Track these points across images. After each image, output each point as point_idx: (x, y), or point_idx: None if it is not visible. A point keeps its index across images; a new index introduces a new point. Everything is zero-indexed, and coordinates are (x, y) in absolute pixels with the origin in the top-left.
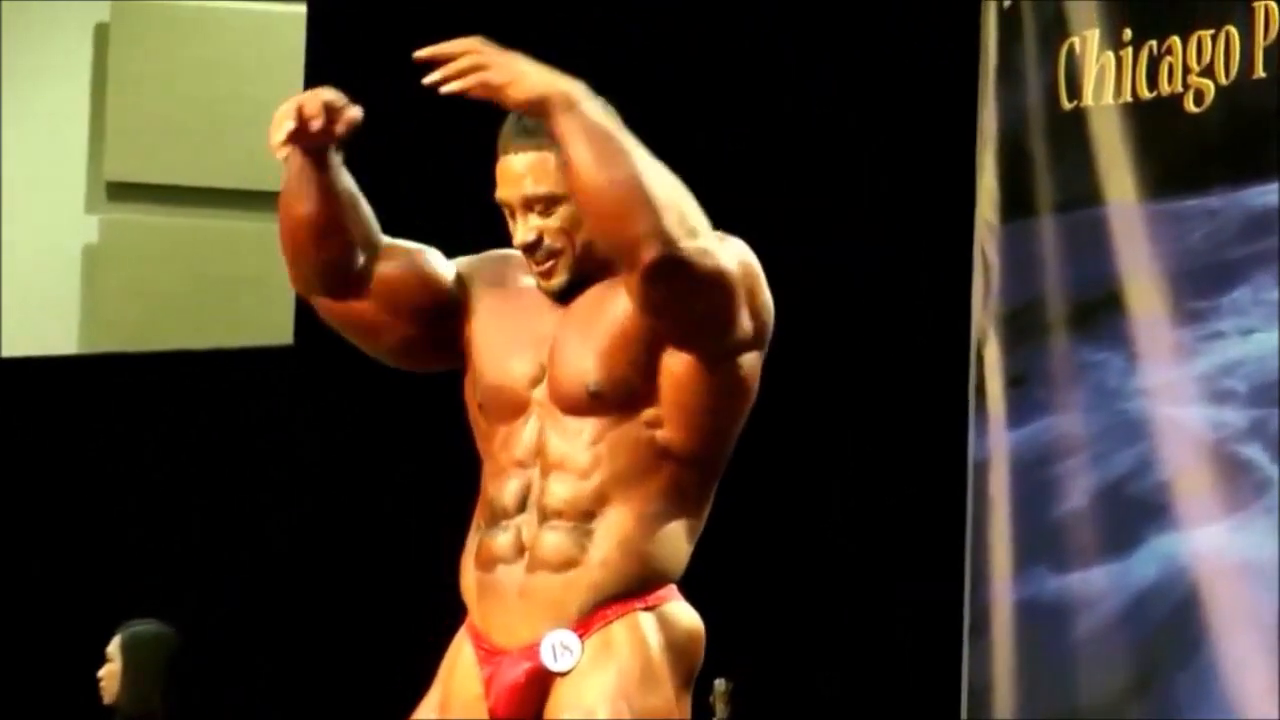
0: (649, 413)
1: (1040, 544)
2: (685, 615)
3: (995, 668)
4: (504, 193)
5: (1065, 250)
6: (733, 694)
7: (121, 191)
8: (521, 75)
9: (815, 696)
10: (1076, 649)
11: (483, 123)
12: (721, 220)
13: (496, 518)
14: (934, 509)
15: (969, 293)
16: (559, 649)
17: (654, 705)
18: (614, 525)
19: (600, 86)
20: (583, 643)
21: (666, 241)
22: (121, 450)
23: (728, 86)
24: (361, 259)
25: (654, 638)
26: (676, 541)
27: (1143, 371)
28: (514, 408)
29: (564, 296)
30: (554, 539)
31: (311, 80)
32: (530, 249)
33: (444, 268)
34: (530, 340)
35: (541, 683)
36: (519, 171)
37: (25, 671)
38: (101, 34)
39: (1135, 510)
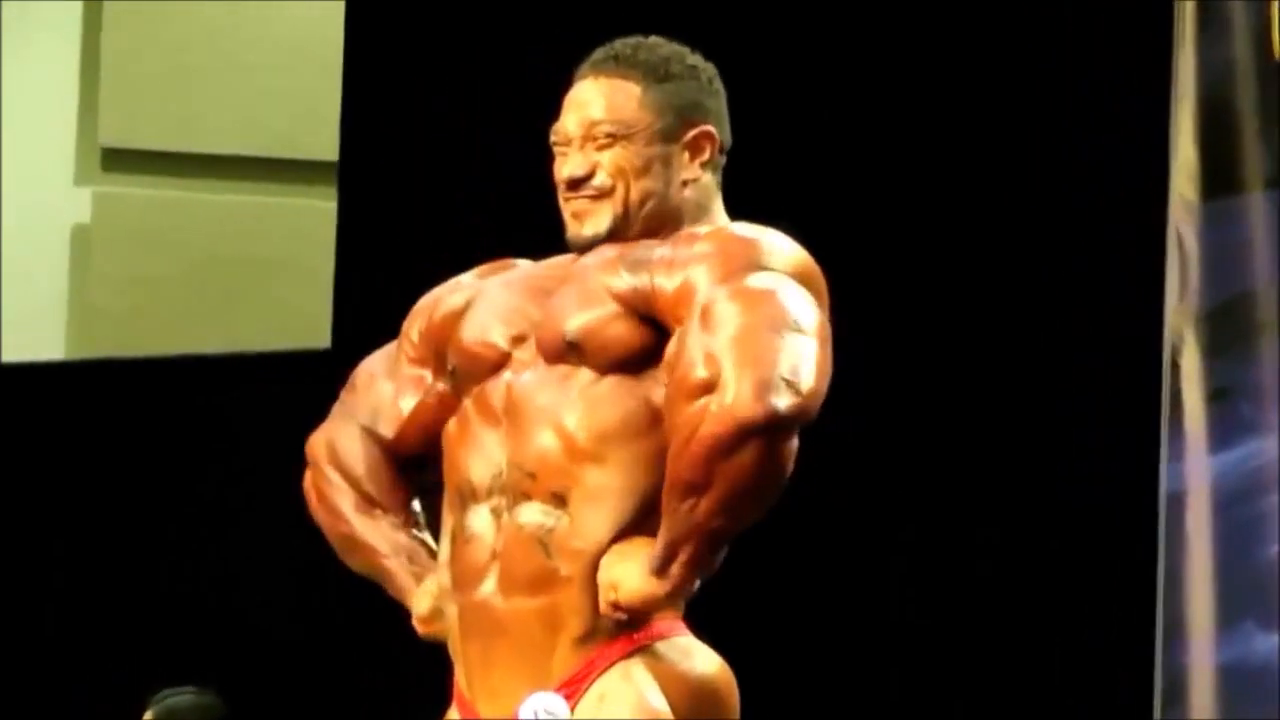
0: (657, 372)
1: (1249, 594)
2: (696, 655)
3: None
4: (565, 121)
5: None
6: None
7: (119, 160)
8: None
9: None
10: None
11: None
12: (880, 199)
13: (465, 498)
14: (1118, 552)
15: (1162, 287)
16: (541, 715)
17: None
18: (587, 522)
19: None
20: (571, 706)
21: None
22: (119, 477)
23: (887, 55)
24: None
25: (651, 691)
26: None
27: None
28: (489, 365)
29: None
30: (524, 535)
31: (353, 31)
32: (575, 184)
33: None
34: (526, 300)
35: None
36: (589, 97)
37: None
38: None
39: None
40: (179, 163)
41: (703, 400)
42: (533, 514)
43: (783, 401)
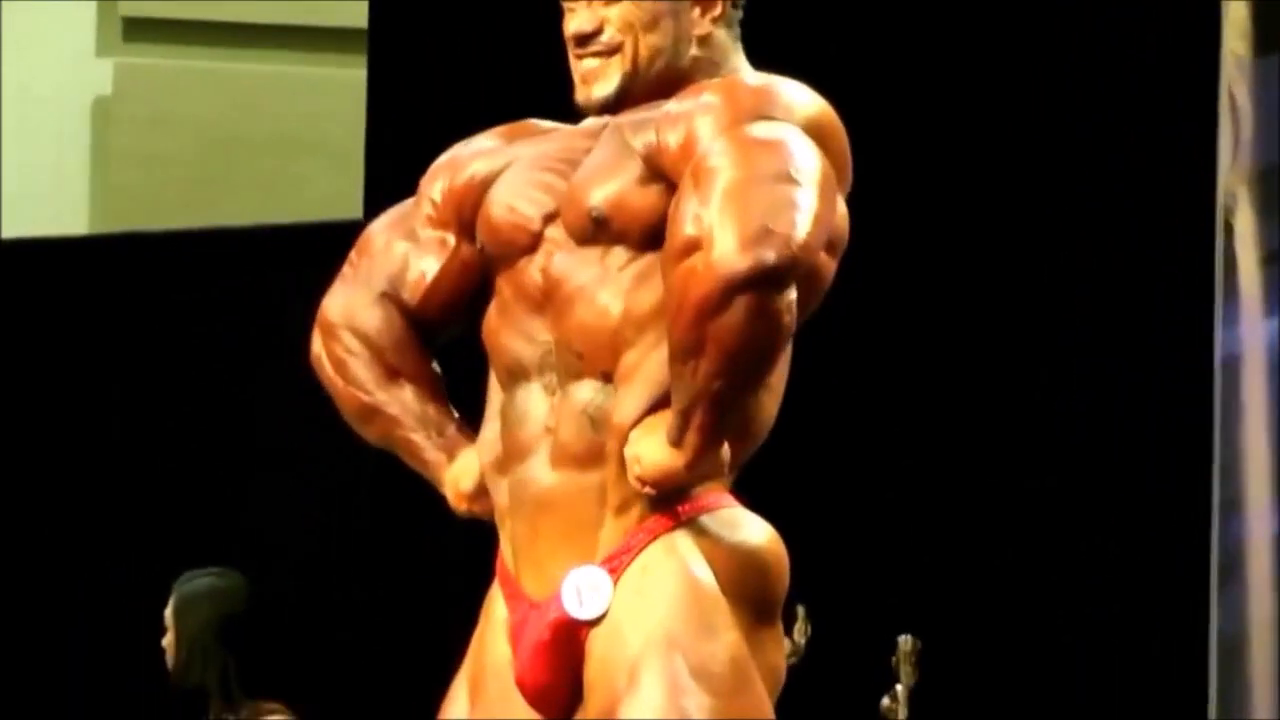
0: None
1: None
2: (744, 527)
3: (1251, 616)
4: None
5: None
6: (919, 654)
7: (140, 29)
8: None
9: (1025, 656)
10: None
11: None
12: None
13: (515, 376)
14: (1171, 420)
15: (1214, 146)
16: (584, 591)
17: (715, 652)
18: (628, 397)
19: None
20: (615, 580)
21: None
22: (144, 353)
23: None
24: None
25: (697, 563)
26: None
27: None
28: (520, 246)
29: (605, 114)
30: (575, 411)
31: None
32: (583, 40)
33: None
34: (553, 174)
35: (571, 637)
36: None
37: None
38: None
39: None
40: (202, 32)
41: (691, 260)
42: (585, 392)
43: (770, 254)
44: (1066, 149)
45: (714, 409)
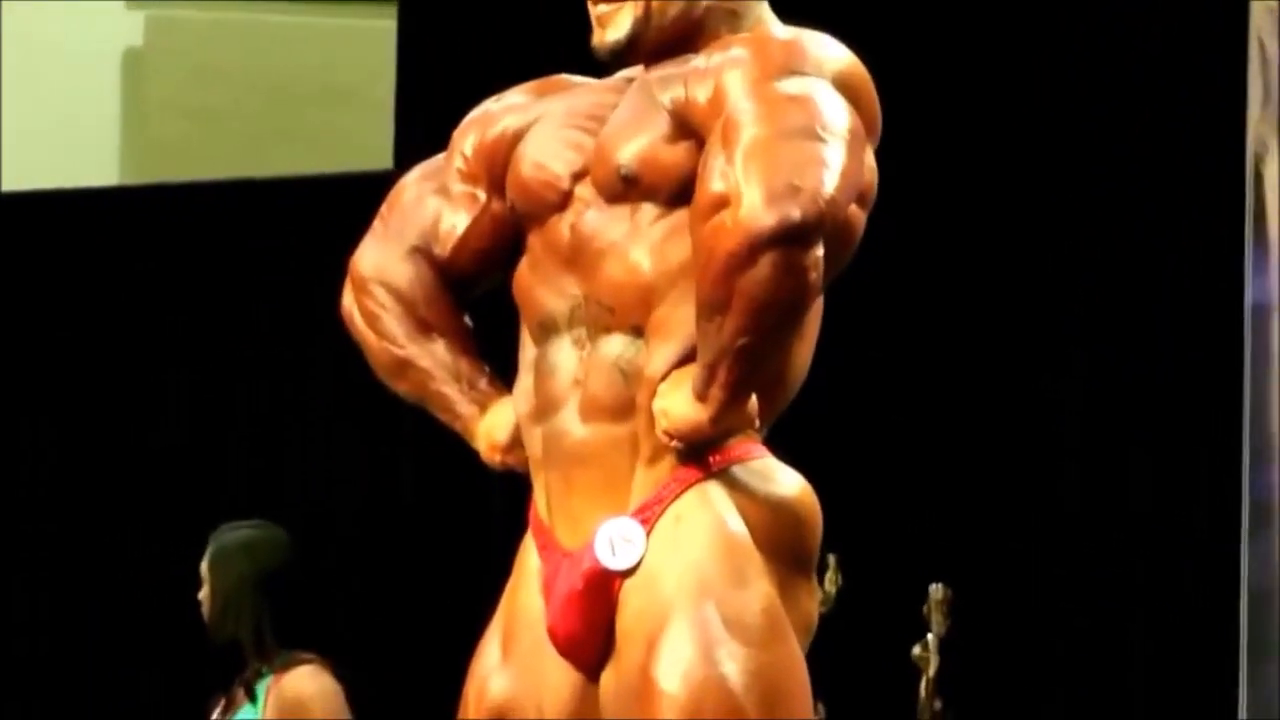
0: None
1: None
2: (776, 478)
3: None
4: None
5: None
6: (951, 603)
7: None
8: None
9: (1055, 605)
10: None
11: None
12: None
13: (546, 330)
14: (1201, 369)
15: (1244, 95)
16: (617, 542)
17: (748, 602)
18: (662, 351)
19: None
20: (647, 530)
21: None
22: (176, 306)
23: None
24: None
25: (730, 514)
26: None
27: None
28: (550, 205)
29: (620, 61)
30: (606, 365)
31: None
32: None
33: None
34: (582, 131)
35: (604, 588)
36: None
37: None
38: None
39: None
40: None
41: (719, 216)
42: (615, 346)
43: (796, 210)
44: (1097, 99)
45: (739, 364)
